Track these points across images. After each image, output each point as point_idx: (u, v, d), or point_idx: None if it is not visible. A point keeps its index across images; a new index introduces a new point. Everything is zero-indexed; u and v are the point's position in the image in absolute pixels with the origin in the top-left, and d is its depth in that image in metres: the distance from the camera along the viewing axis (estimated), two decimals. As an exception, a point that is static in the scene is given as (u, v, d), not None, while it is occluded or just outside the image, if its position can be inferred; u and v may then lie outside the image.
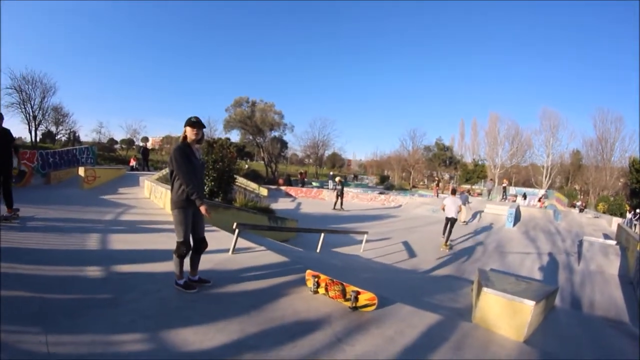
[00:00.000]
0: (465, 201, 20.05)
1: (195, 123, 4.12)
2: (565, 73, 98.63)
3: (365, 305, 4.14)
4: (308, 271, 4.79)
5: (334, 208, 23.44)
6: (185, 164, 4.01)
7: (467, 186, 56.49)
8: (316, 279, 4.57)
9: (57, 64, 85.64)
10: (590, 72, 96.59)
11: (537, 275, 10.57)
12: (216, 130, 50.71)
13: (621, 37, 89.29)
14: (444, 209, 13.79)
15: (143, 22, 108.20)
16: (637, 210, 29.30)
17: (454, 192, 15.16)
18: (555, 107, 67.76)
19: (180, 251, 4.08)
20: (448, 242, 13.42)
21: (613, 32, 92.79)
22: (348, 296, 4.21)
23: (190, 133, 4.14)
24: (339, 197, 23.97)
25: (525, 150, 56.10)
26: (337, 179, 28.20)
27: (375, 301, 4.11)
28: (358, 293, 4.15)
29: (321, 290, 4.53)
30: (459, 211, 14.16)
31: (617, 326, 6.64)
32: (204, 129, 4.36)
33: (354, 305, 4.10)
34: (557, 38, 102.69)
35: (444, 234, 13.88)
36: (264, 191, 27.33)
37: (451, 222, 13.51)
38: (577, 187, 54.51)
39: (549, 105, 66.12)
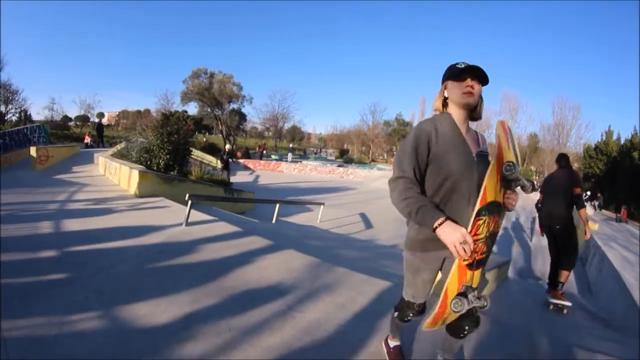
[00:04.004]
0: None
1: (466, 70, 1.97)
2: (527, 58, 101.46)
3: None
4: None
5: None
6: (415, 152, 1.93)
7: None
8: None
9: None
10: (552, 60, 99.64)
11: (491, 248, 10.64)
12: (174, 103, 49.46)
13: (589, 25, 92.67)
14: None
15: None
16: (589, 193, 30.55)
17: None
18: (515, 90, 69.39)
19: (403, 313, 2.39)
20: None
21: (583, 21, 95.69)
22: None
23: (457, 90, 2.00)
24: (226, 170, 18.43)
25: (484, 130, 57.17)
26: (227, 146, 22.61)
27: None
28: None
29: None
30: None
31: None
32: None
33: None
34: (522, 20, 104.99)
35: None
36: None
37: None
38: (532, 168, 56.42)
39: (510, 88, 67.49)
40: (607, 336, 4.42)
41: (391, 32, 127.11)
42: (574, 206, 5.41)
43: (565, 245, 5.52)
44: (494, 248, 7.87)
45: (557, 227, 5.57)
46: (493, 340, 3.05)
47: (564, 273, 5.39)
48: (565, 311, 5.26)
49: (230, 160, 20.14)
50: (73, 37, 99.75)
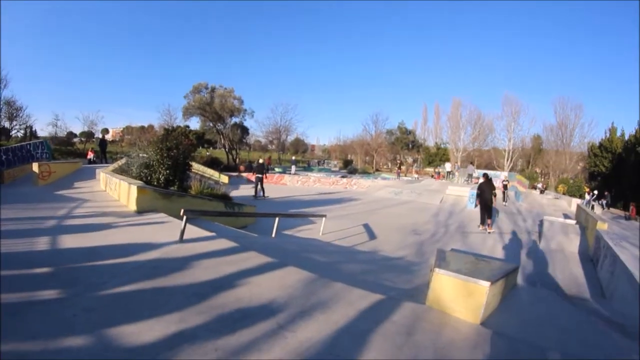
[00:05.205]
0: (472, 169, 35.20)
1: None
2: (527, 60, 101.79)
3: None
4: None
5: (255, 197, 19.55)
6: None
7: (431, 169, 57.54)
8: None
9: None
10: (552, 61, 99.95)
11: (499, 254, 10.58)
12: (176, 118, 49.54)
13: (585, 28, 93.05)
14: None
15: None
16: (595, 192, 30.29)
17: (471, 163, 37.95)
18: (517, 93, 69.45)
19: None
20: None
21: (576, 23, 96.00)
22: None
23: None
24: (260, 183, 19.97)
25: (487, 135, 57.32)
26: (260, 160, 22.84)
27: None
28: None
29: None
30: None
31: (579, 303, 6.51)
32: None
33: None
34: (522, 26, 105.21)
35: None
36: (224, 178, 26.77)
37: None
38: (537, 169, 56.41)
39: (510, 91, 67.42)
40: (624, 346, 4.17)
41: (392, 38, 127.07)
42: (493, 196, 13.88)
43: (488, 210, 13.82)
44: (502, 254, 7.61)
45: (487, 204, 13.79)
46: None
47: (489, 220, 13.80)
48: (488, 231, 13.55)
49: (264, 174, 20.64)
50: (75, 51, 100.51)
